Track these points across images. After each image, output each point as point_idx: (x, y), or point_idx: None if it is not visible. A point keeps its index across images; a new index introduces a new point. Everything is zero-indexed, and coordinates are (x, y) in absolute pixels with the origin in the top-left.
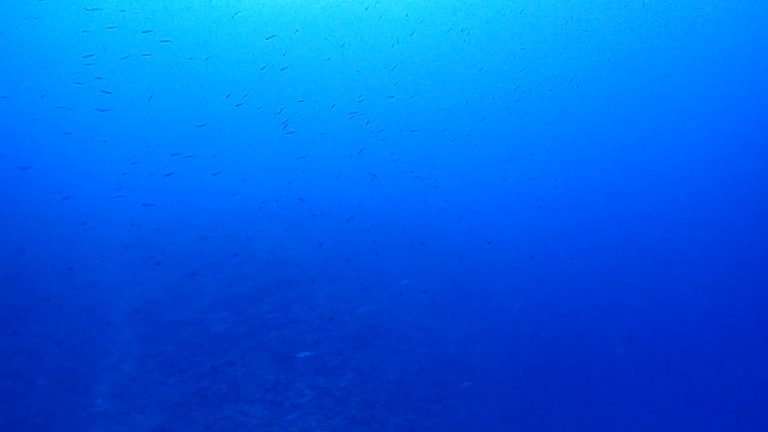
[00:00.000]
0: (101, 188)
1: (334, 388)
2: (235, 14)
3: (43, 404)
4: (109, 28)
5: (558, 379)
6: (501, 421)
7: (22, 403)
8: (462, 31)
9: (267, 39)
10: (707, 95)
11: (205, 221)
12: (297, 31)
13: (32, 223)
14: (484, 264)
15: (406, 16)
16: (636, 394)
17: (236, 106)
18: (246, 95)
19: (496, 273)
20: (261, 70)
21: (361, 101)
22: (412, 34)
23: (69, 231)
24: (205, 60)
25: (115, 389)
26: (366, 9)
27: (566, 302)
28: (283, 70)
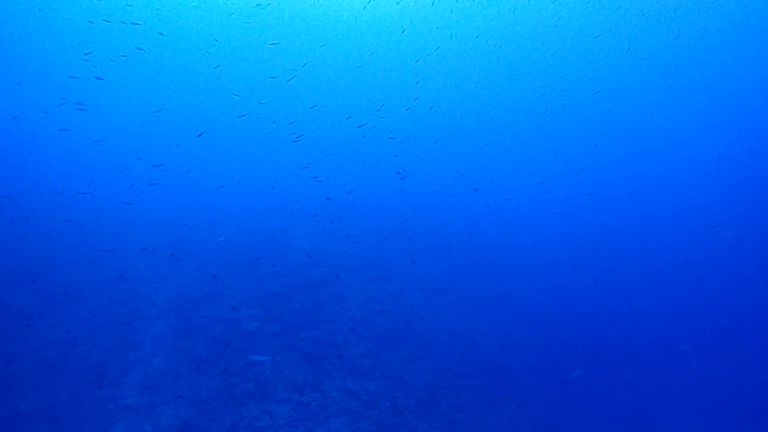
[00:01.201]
0: (138, 184)
1: (363, 391)
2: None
3: (72, 395)
4: (131, 21)
5: (592, 389)
6: (534, 431)
7: (51, 392)
8: (487, 41)
9: (270, 45)
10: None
11: (239, 219)
12: (323, 44)
13: (64, 217)
14: (521, 269)
15: (437, 28)
16: (673, 405)
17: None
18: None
19: (531, 278)
20: (288, 81)
21: (408, 108)
22: (451, 35)
23: (102, 225)
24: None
25: (143, 383)
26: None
27: (602, 310)
28: (291, 75)
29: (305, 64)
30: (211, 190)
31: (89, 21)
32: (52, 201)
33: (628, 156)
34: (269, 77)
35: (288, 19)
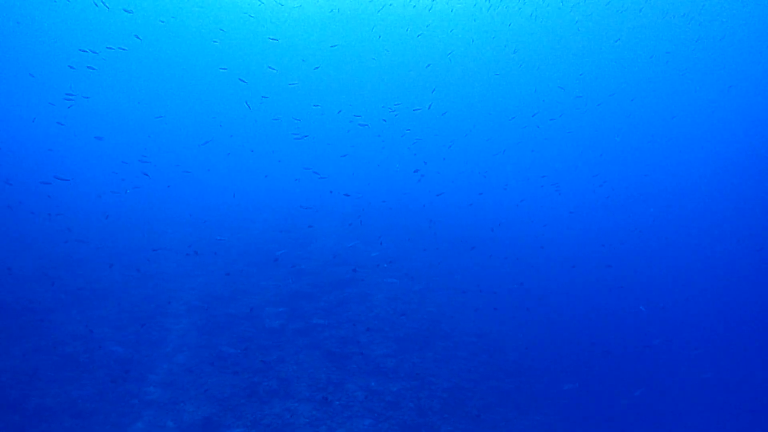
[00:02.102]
0: (164, 183)
1: (387, 391)
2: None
3: (96, 390)
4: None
5: (623, 393)
6: None
7: (76, 387)
8: (515, 52)
9: (270, 39)
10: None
11: (264, 218)
12: (334, 46)
13: (94, 215)
14: (549, 270)
15: (451, 31)
16: (705, 410)
17: (314, 106)
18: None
19: (560, 279)
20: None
21: (429, 107)
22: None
23: (129, 224)
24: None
25: (167, 379)
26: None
27: (633, 312)
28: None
29: (317, 67)
30: (236, 188)
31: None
32: (77, 199)
33: (653, 157)
34: (289, 84)
35: (302, 20)
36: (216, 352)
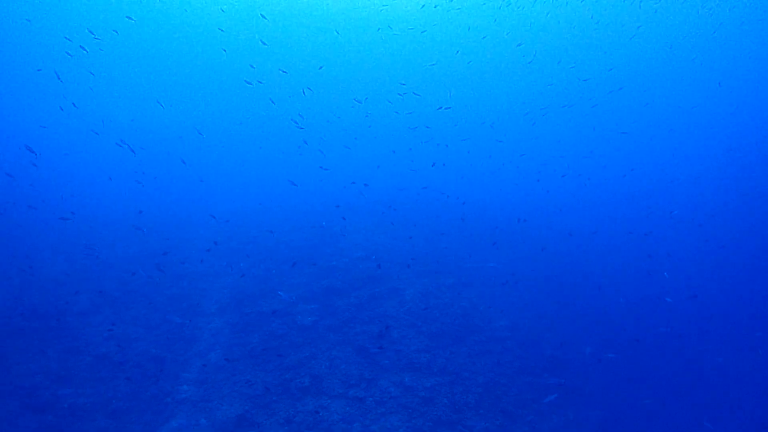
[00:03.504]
0: (196, 182)
1: (420, 387)
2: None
3: (131, 388)
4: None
5: (660, 388)
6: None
7: (110, 386)
8: (533, 56)
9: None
10: None
11: (295, 215)
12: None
13: (127, 216)
14: (584, 263)
15: (467, 29)
16: (740, 405)
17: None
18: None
19: (595, 272)
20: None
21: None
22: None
23: (160, 224)
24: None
25: (200, 377)
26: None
27: (668, 304)
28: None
29: (321, 67)
30: (267, 187)
31: None
32: (109, 201)
33: (680, 146)
34: (307, 88)
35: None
36: (248, 349)
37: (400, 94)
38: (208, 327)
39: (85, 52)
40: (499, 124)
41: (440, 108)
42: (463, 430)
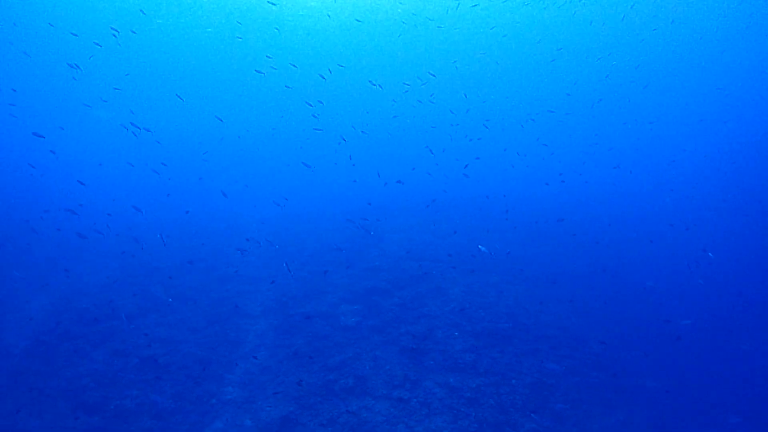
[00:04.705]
0: (240, 186)
1: (465, 387)
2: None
3: (175, 390)
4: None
5: (717, 392)
6: None
7: (156, 388)
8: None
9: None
10: None
11: (337, 215)
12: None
13: (172, 218)
14: (635, 260)
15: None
16: None
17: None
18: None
19: (650, 271)
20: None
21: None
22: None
23: (205, 228)
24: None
25: (245, 378)
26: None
27: (715, 300)
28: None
29: (331, 67)
30: (309, 189)
31: None
32: (156, 207)
33: (720, 136)
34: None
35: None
36: (293, 351)
37: (430, 100)
38: (253, 329)
39: (99, 47)
40: (532, 120)
41: (432, 95)
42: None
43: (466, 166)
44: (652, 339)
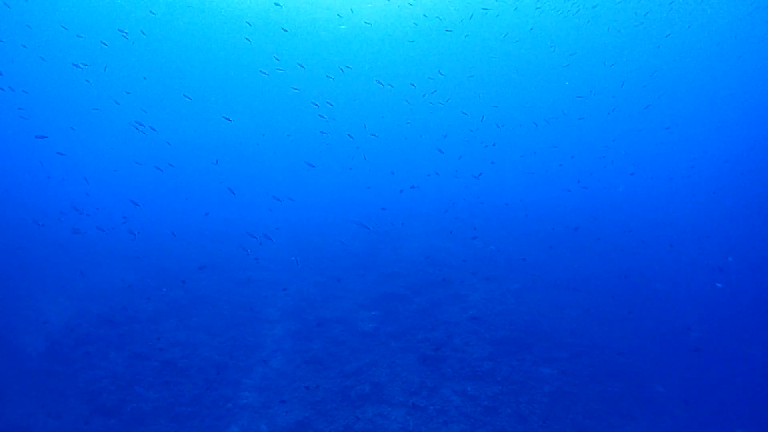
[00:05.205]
0: (258, 191)
1: (483, 396)
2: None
3: (193, 394)
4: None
5: (735, 400)
6: None
7: (174, 392)
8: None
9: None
10: None
11: (354, 223)
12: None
13: (191, 225)
14: (655, 267)
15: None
16: None
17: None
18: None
19: (670, 277)
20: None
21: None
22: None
23: (224, 234)
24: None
25: (262, 383)
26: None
27: (737, 307)
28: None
29: (344, 69)
30: (328, 195)
31: None
32: (177, 212)
33: (740, 141)
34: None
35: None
36: (310, 356)
37: (442, 103)
38: (271, 334)
39: (106, 46)
40: (546, 123)
41: (425, 94)
42: None
43: (480, 174)
44: (672, 348)
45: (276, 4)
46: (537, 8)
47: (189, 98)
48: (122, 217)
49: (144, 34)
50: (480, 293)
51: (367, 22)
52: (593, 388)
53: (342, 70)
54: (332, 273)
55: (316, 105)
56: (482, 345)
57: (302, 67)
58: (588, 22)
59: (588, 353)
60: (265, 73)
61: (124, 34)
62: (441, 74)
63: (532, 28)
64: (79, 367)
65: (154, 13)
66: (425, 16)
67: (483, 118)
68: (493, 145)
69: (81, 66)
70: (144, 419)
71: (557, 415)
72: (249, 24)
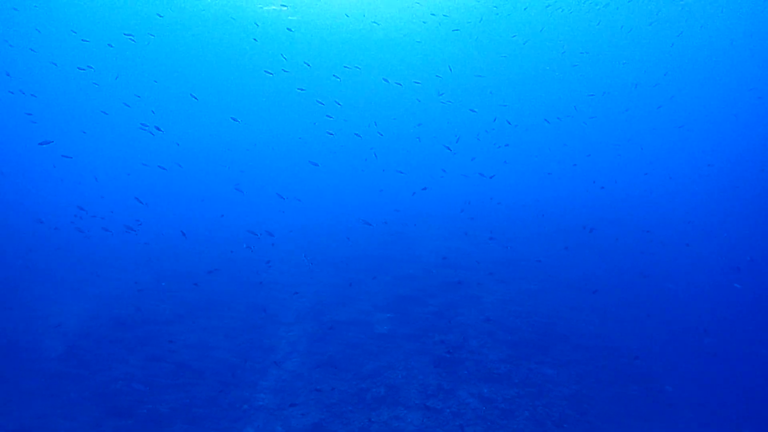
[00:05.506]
0: (272, 195)
1: (500, 398)
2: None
3: (208, 396)
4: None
5: (759, 408)
6: None
7: (189, 393)
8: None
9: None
10: None
11: (369, 225)
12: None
13: (203, 227)
14: (671, 268)
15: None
16: None
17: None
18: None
19: (687, 278)
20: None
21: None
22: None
23: (239, 236)
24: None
25: (277, 385)
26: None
27: (759, 314)
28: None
29: (351, 70)
30: (344, 196)
31: None
32: (190, 214)
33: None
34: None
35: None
36: (325, 358)
37: (447, 101)
38: (287, 336)
39: (111, 47)
40: (558, 120)
41: (441, 94)
42: None
43: (492, 176)
44: (690, 351)
45: (282, 6)
46: (547, 6)
47: (195, 98)
48: (136, 220)
49: (152, 35)
50: (496, 295)
51: (376, 22)
52: (610, 392)
53: (358, 68)
54: (346, 275)
55: (322, 103)
56: (499, 347)
57: (308, 65)
58: (599, 23)
59: (605, 356)
60: (270, 73)
61: (131, 38)
62: (450, 69)
63: (542, 29)
64: (96, 369)
65: (161, 16)
66: (433, 14)
67: (495, 119)
68: (506, 146)
69: (84, 69)
70: (160, 420)
71: (574, 418)
72: (257, 24)
